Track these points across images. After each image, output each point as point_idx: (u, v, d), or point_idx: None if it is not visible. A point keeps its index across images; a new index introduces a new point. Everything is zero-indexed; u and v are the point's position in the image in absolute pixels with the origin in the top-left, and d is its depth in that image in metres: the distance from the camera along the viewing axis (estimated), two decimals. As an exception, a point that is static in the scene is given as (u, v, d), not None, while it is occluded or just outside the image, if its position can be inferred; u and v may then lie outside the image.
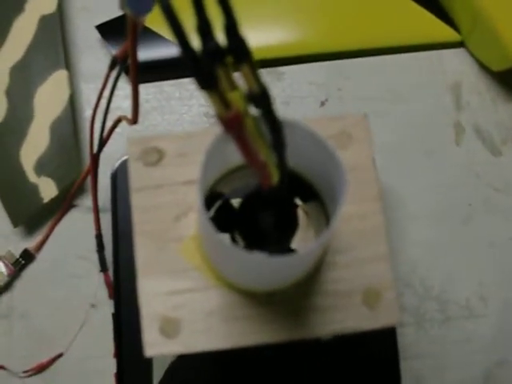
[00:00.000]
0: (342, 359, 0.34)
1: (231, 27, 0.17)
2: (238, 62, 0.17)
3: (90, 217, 0.39)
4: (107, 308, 0.38)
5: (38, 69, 0.40)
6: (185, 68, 0.16)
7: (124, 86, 0.38)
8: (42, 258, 0.39)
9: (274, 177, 0.20)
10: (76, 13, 0.43)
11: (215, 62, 0.17)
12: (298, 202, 0.25)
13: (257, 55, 0.17)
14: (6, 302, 0.38)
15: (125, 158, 0.38)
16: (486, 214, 0.41)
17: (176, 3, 0.16)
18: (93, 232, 0.39)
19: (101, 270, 0.38)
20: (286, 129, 0.19)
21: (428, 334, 0.39)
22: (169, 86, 0.42)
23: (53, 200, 0.38)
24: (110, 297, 0.38)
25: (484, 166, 0.41)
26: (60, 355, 0.38)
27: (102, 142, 0.34)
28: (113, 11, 0.40)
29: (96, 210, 0.38)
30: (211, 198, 0.24)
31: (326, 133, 0.25)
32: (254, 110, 0.18)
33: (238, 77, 0.18)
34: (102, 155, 0.35)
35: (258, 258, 0.20)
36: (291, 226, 0.23)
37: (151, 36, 0.40)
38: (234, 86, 0.18)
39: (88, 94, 0.42)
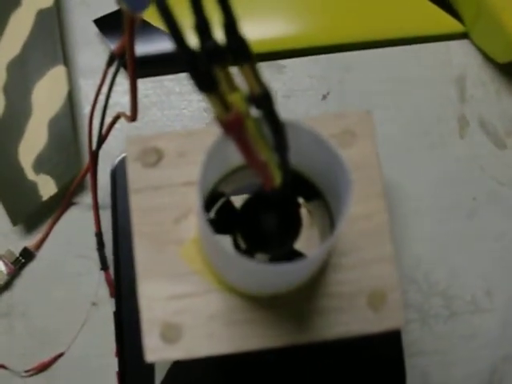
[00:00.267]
0: (346, 358, 0.34)
1: (230, 25, 0.16)
2: (238, 62, 0.17)
3: (90, 214, 0.38)
4: (108, 306, 0.37)
5: (35, 64, 0.39)
6: (184, 66, 0.16)
7: (123, 82, 0.37)
8: (41, 256, 0.39)
9: (277, 179, 0.19)
10: (74, 7, 0.43)
11: (214, 63, 0.16)
12: (301, 200, 0.25)
13: (257, 48, 0.17)
14: (6, 301, 0.38)
15: (124, 154, 0.37)
16: (491, 208, 0.40)
17: (173, 0, 0.15)
18: (93, 230, 0.38)
19: (101, 268, 0.38)
20: (288, 130, 0.18)
21: (433, 330, 0.38)
22: (168, 81, 0.42)
23: (52, 198, 0.38)
24: (111, 295, 0.38)
25: (488, 159, 0.41)
26: (61, 354, 0.37)
27: (101, 139, 0.34)
28: (111, 5, 0.39)
29: (96, 208, 0.38)
30: (212, 198, 0.24)
31: (328, 131, 0.24)
32: (255, 112, 0.18)
33: (237, 76, 0.17)
34: (102, 152, 0.34)
35: (260, 265, 0.19)
36: (294, 228, 0.22)
37: (150, 30, 0.40)
38: (234, 87, 0.17)
39: (87, 90, 0.41)
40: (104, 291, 0.38)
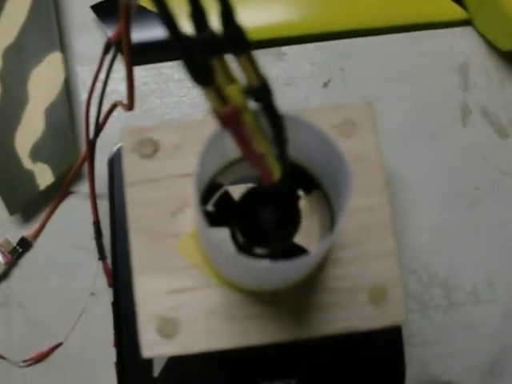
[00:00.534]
0: (345, 353, 0.34)
1: (227, 13, 0.16)
2: (236, 52, 0.16)
3: (88, 203, 0.38)
4: (106, 296, 0.37)
5: (31, 51, 0.39)
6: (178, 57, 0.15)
7: (120, 68, 0.36)
8: (39, 245, 0.38)
9: (276, 173, 0.19)
10: (70, -8, 0.42)
11: (210, 53, 0.16)
12: (300, 192, 0.24)
13: (257, 35, 0.16)
14: (4, 291, 0.38)
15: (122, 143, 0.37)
16: (493, 198, 0.40)
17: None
18: (90, 219, 0.38)
19: (99, 258, 0.38)
20: (287, 122, 0.18)
21: (433, 320, 0.38)
22: (167, 68, 0.41)
23: (49, 187, 0.37)
24: (109, 285, 0.37)
25: (491, 149, 0.40)
26: (59, 344, 0.37)
27: (99, 127, 0.33)
28: (108, -10, 0.39)
29: (93, 197, 0.37)
30: (210, 189, 0.23)
31: (329, 122, 0.24)
32: (253, 104, 0.17)
33: (235, 68, 0.17)
34: (99, 140, 0.34)
35: (257, 264, 0.19)
36: (293, 222, 0.22)
37: (148, 16, 0.39)
38: (231, 79, 0.16)
39: (84, 77, 0.41)
40: (102, 281, 0.38)
